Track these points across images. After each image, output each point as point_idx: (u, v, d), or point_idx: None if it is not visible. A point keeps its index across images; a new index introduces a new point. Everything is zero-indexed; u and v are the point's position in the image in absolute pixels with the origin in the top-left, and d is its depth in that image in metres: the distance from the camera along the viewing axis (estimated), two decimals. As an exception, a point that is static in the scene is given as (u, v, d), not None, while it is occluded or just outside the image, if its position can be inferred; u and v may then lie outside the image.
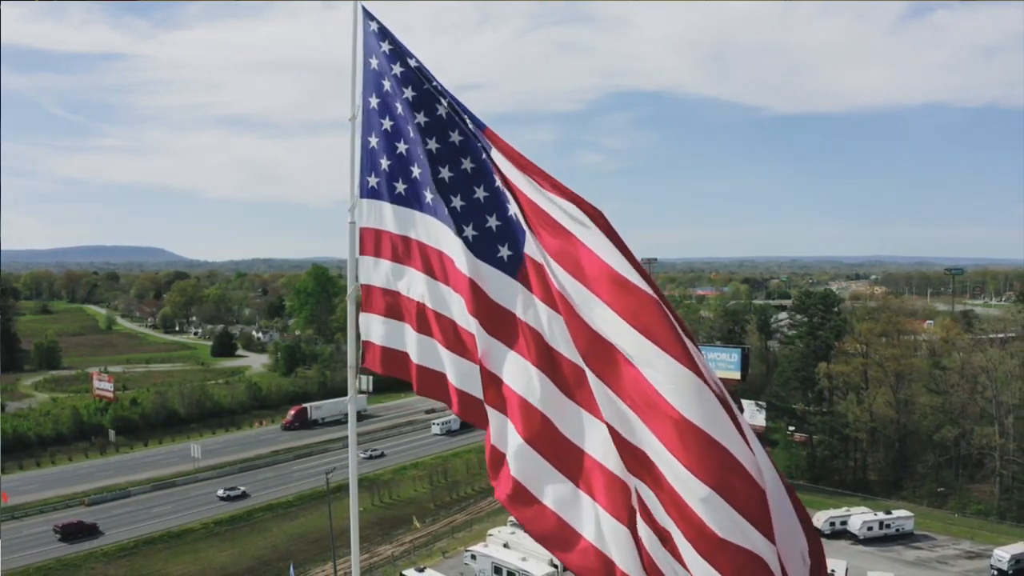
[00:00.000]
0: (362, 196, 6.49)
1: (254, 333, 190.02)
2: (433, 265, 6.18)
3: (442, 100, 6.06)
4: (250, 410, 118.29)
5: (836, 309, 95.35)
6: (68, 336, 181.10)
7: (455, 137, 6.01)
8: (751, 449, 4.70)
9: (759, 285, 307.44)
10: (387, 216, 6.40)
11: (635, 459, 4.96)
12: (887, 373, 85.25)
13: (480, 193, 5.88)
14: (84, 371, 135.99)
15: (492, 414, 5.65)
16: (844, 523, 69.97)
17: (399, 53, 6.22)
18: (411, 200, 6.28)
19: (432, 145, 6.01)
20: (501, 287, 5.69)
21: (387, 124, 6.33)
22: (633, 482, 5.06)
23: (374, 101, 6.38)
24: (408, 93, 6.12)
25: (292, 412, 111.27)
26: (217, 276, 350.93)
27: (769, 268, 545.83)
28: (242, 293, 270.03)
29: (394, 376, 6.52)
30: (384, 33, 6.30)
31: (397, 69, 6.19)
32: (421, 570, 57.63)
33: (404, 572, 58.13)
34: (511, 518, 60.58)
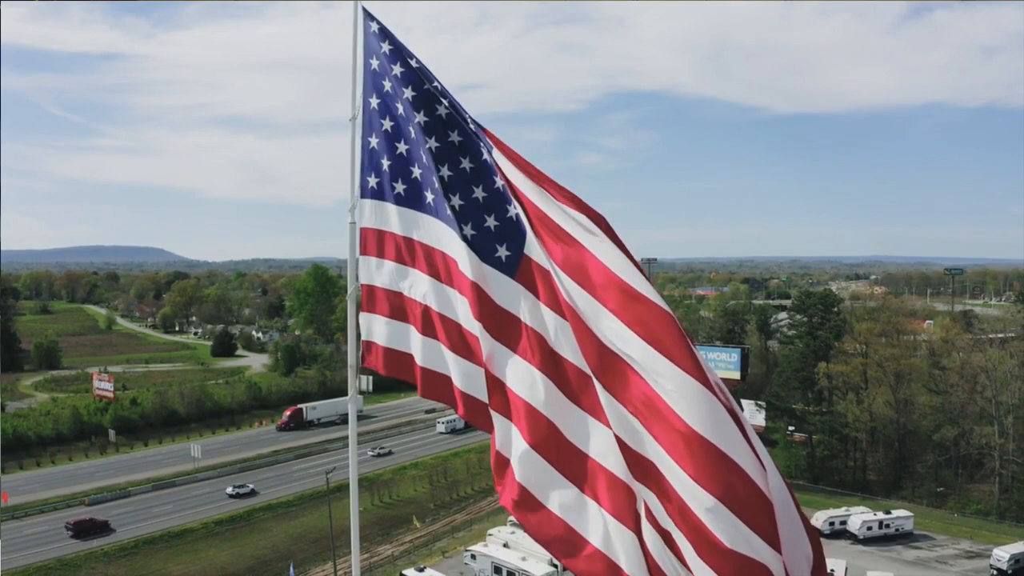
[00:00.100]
0: (362, 196, 6.48)
1: (254, 333, 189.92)
2: (436, 267, 6.17)
3: (443, 100, 6.06)
4: (250, 410, 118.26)
5: (836, 309, 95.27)
6: (68, 336, 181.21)
7: (455, 137, 6.02)
8: (759, 459, 4.71)
9: (759, 285, 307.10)
10: (388, 216, 6.40)
11: (641, 469, 4.97)
12: (887, 373, 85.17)
13: (479, 193, 5.88)
14: (84, 371, 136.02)
15: (497, 419, 5.63)
16: (844, 523, 69.90)
17: (400, 53, 6.21)
18: (412, 200, 6.28)
19: (432, 144, 6.01)
20: (503, 289, 5.68)
21: (388, 124, 6.33)
22: (639, 489, 5.06)
23: (374, 101, 6.38)
24: (408, 93, 6.12)
25: (287, 413, 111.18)
26: (217, 276, 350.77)
27: (769, 268, 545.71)
28: (242, 293, 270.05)
29: (397, 378, 6.47)
30: (385, 33, 6.30)
31: (397, 69, 6.19)
32: (421, 570, 57.60)
33: (404, 572, 58.06)
34: (511, 518, 60.59)
